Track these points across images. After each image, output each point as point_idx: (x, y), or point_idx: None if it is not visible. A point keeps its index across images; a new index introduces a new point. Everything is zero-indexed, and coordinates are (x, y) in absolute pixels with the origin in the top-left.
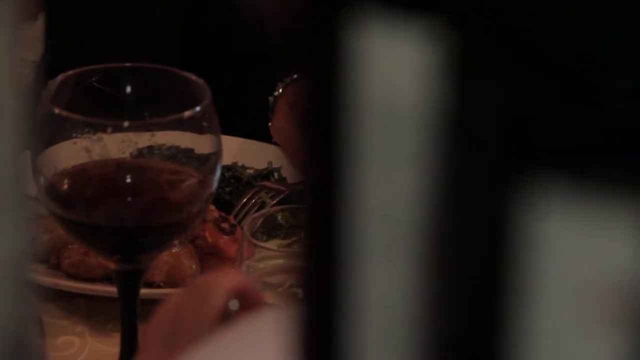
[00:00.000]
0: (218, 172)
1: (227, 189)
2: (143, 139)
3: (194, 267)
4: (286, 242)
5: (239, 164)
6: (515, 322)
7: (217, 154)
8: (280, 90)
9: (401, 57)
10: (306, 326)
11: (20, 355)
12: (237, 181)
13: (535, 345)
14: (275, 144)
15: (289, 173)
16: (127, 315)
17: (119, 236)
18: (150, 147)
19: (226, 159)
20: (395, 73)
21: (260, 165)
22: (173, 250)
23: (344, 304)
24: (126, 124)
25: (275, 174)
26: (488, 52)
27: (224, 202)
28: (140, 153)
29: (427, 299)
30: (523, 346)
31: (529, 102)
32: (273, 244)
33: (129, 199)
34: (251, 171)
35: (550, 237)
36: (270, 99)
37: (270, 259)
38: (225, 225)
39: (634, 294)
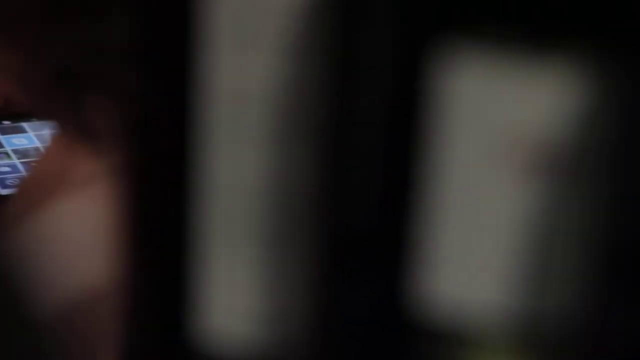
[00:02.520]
0: None
1: None
2: None
3: None
4: None
5: None
6: (427, 174)
7: None
8: None
9: None
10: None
11: None
12: None
13: (448, 192)
14: None
15: None
16: None
17: None
18: None
19: None
20: None
21: None
22: None
23: (194, 185)
24: None
25: None
26: None
27: None
28: None
29: (298, 171)
30: (435, 195)
31: None
32: None
33: None
34: None
35: (463, 92)
36: None
37: None
38: None
39: (543, 143)
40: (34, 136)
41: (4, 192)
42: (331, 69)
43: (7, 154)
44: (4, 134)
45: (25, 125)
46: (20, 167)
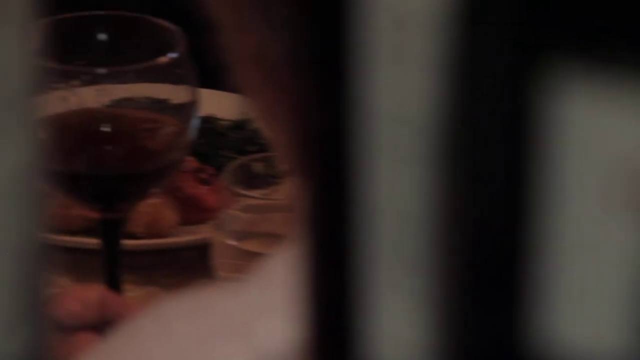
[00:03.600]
0: (195, 121)
1: (202, 140)
2: (118, 89)
3: (173, 218)
4: (267, 190)
5: (212, 115)
6: (538, 210)
7: (193, 103)
8: None
9: None
10: (316, 240)
11: (31, 279)
12: (211, 132)
13: (559, 231)
14: None
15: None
16: (109, 266)
17: (99, 184)
18: (125, 98)
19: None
20: None
21: (233, 116)
22: (152, 202)
23: (356, 209)
24: (102, 71)
25: (249, 125)
26: None
27: (201, 154)
28: (115, 103)
29: (444, 197)
30: (546, 233)
31: None
32: (254, 193)
33: (108, 147)
34: (225, 122)
35: (574, 122)
36: None
37: (254, 208)
38: (203, 176)
39: None
40: None
41: None
42: (463, 90)
43: None
44: None
45: None
46: None
